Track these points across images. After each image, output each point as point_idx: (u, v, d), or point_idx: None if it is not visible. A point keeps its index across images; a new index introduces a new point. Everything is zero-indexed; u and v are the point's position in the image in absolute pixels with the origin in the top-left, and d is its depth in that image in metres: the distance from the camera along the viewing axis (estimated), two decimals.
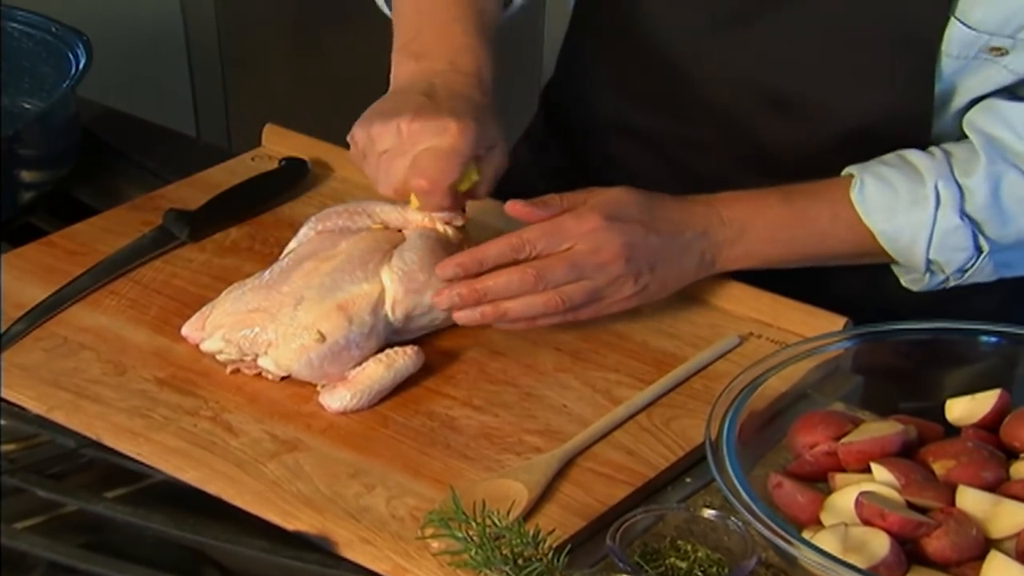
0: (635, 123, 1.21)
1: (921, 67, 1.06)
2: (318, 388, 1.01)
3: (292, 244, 1.09)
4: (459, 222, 1.08)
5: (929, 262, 1.07)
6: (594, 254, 1.01)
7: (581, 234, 1.01)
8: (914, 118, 1.09)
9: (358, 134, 1.05)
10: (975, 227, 1.05)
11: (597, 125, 1.25)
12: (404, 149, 1.02)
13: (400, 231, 1.07)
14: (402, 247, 1.05)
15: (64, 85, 1.27)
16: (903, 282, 1.11)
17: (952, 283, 1.09)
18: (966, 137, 1.08)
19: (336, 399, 0.99)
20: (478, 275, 1.01)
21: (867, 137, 1.09)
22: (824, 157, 1.10)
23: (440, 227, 1.07)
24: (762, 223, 1.07)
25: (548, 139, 1.33)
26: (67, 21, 1.34)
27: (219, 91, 2.52)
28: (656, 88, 1.19)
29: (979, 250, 1.06)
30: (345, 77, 2.57)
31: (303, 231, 1.09)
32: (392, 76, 1.10)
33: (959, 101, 1.09)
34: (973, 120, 1.08)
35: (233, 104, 2.54)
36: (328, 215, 1.09)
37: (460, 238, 1.08)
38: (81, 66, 1.28)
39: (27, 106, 1.35)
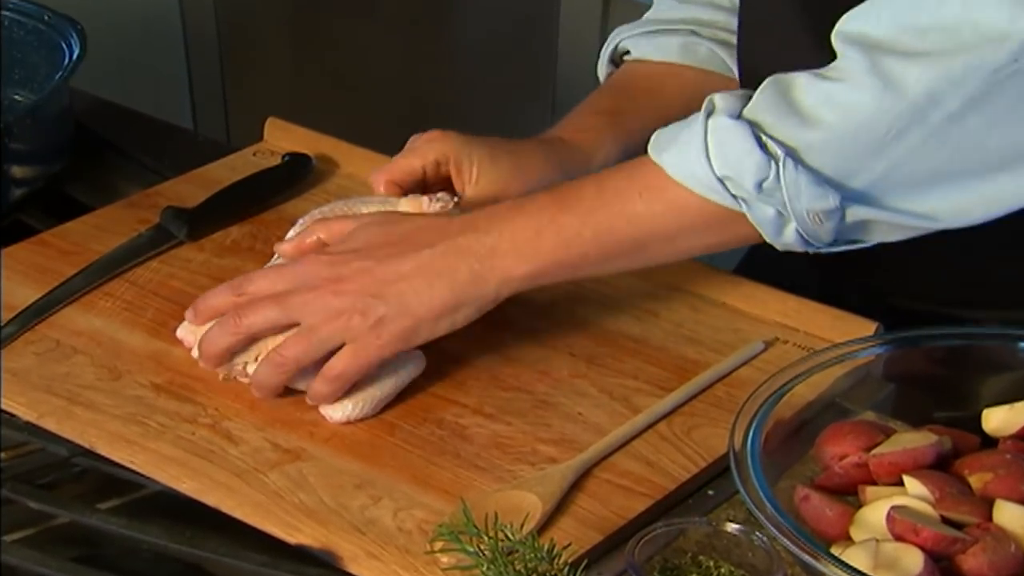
0: None
1: None
2: None
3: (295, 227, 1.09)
4: (455, 213, 1.07)
5: (721, 180, 0.94)
6: (306, 291, 0.98)
7: (290, 275, 0.99)
8: None
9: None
10: (755, 129, 0.93)
11: None
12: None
13: None
14: None
15: (57, 76, 1.27)
16: (769, 241, 0.98)
17: (797, 224, 0.94)
18: None
19: (338, 409, 0.99)
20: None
21: None
22: None
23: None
24: (523, 219, 0.99)
25: None
26: (60, 9, 1.34)
27: (217, 83, 2.53)
28: None
29: (771, 156, 0.93)
30: (350, 68, 2.58)
31: (294, 233, 1.09)
32: None
33: None
34: None
35: (232, 96, 2.55)
36: (318, 216, 1.09)
37: None
38: (75, 56, 1.28)
39: (18, 98, 1.35)
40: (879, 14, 0.93)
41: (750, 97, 0.96)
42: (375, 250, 0.99)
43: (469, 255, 0.98)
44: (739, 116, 0.94)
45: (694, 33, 1.23)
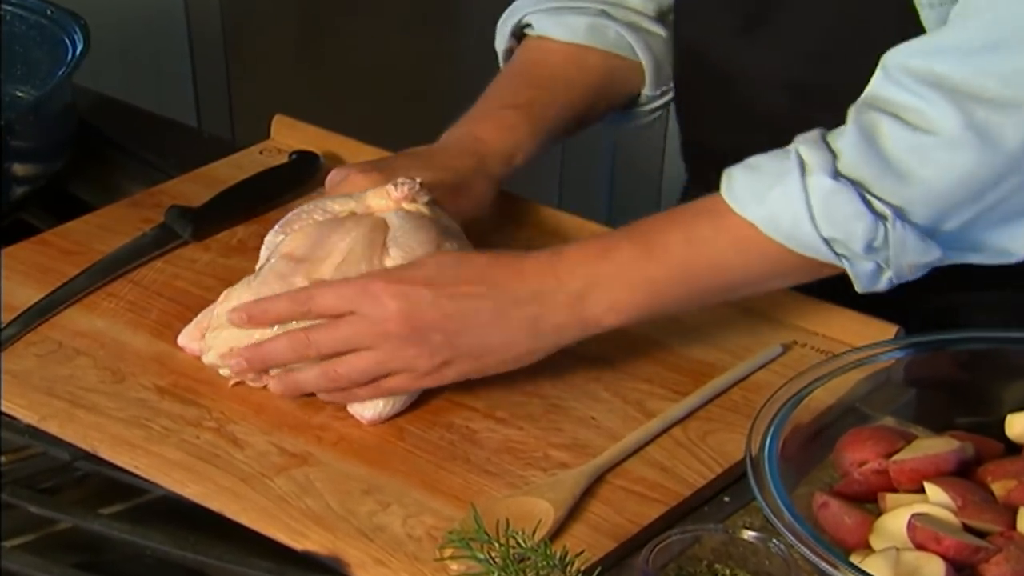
0: (700, 141, 1.23)
1: (904, 27, 1.04)
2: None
3: (264, 253, 1.08)
4: (424, 197, 1.06)
5: (827, 242, 0.97)
6: (370, 323, 0.98)
7: (361, 300, 0.98)
8: None
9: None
10: (859, 189, 0.97)
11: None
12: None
13: (375, 216, 1.06)
14: (392, 235, 1.03)
15: (60, 72, 1.28)
16: (858, 289, 1.01)
17: (892, 273, 0.98)
18: None
19: (368, 407, 0.99)
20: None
21: None
22: None
23: (408, 207, 1.06)
24: (612, 269, 0.99)
25: None
26: (63, 4, 1.34)
27: (222, 79, 2.53)
28: (702, 100, 1.21)
29: (879, 216, 0.95)
30: (356, 64, 2.58)
31: (270, 239, 1.08)
32: None
33: None
34: None
35: (237, 93, 2.55)
36: (288, 221, 1.08)
37: (437, 215, 1.07)
38: (78, 52, 1.28)
39: (20, 94, 1.36)
40: (945, 51, 0.95)
41: (828, 145, 0.97)
42: (449, 286, 0.98)
43: (553, 305, 0.99)
44: (837, 175, 0.96)
45: (604, 14, 1.22)
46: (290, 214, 1.08)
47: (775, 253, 0.98)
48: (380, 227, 1.04)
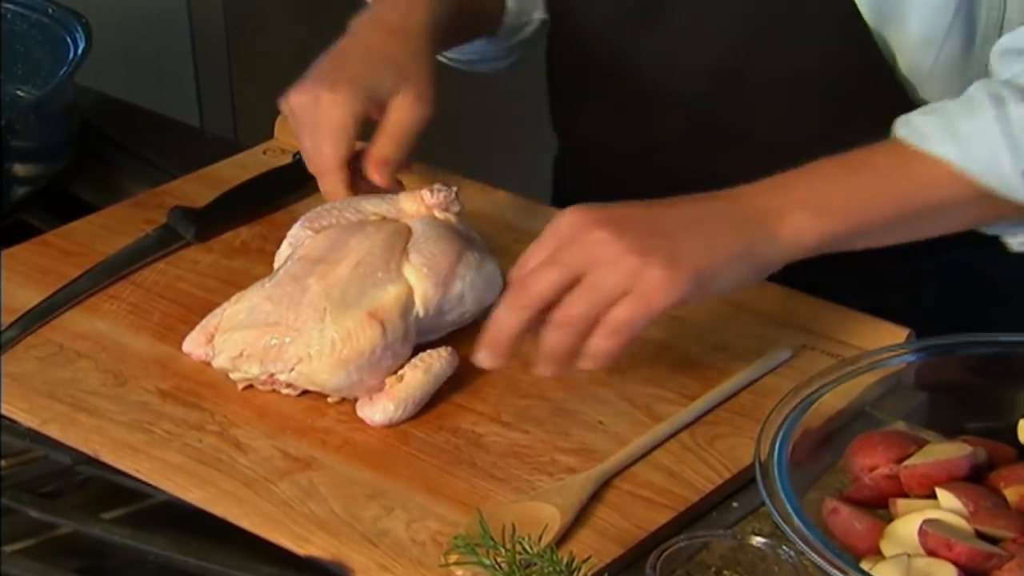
0: (608, 138, 1.23)
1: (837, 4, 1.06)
2: (329, 400, 1.01)
3: (284, 249, 1.09)
4: (456, 208, 1.09)
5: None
6: (575, 240, 0.94)
7: (558, 228, 0.95)
8: (863, 62, 1.09)
9: (287, 108, 1.13)
10: None
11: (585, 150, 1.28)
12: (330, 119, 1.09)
13: (399, 222, 1.07)
14: (415, 240, 1.05)
15: (61, 71, 1.28)
16: (1013, 247, 1.03)
17: None
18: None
19: (379, 411, 0.99)
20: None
21: (818, 95, 1.08)
22: (798, 125, 1.11)
23: (439, 215, 1.07)
24: (808, 180, 0.98)
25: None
26: (65, 2, 1.34)
27: (225, 79, 2.53)
28: (607, 95, 1.22)
29: None
30: None
31: (294, 232, 1.09)
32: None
33: (909, 35, 1.08)
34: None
35: (240, 93, 2.55)
36: (318, 215, 1.09)
37: (464, 226, 1.09)
38: (79, 51, 1.28)
39: (21, 94, 1.36)
40: None
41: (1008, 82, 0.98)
42: (643, 208, 0.96)
43: (754, 214, 0.96)
44: None
45: None
46: (320, 208, 1.09)
47: (967, 192, 0.98)
48: (402, 233, 1.05)
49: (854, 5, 1.07)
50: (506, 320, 0.95)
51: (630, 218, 0.95)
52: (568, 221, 0.95)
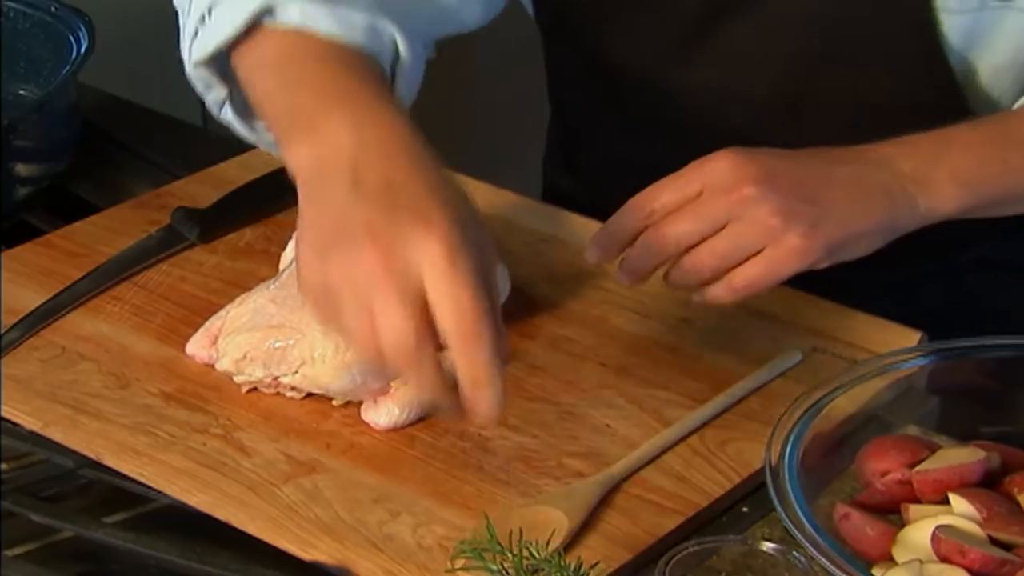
0: (643, 160, 1.21)
1: (919, 34, 1.05)
2: (333, 403, 1.01)
3: (289, 250, 1.09)
4: None
5: None
6: (723, 192, 0.94)
7: (707, 174, 0.95)
8: (937, 92, 1.08)
9: (315, 292, 0.86)
10: None
11: (608, 170, 1.25)
12: (391, 287, 0.82)
13: None
14: None
15: (64, 71, 1.28)
16: None
17: None
18: None
19: (383, 414, 0.99)
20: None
21: (882, 124, 1.07)
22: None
23: None
24: (957, 147, 0.97)
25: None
26: (68, 1, 1.34)
27: None
28: (648, 122, 1.19)
29: None
30: None
31: (292, 245, 1.09)
32: (293, 176, 0.90)
33: (992, 61, 1.07)
34: None
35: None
36: None
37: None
38: (82, 50, 1.28)
39: (23, 93, 1.36)
40: None
41: None
42: (797, 153, 0.96)
43: (899, 181, 0.96)
44: None
45: (381, 12, 0.98)
46: None
47: None
48: None
49: (936, 36, 1.04)
50: (644, 260, 0.96)
51: (781, 174, 0.94)
52: (721, 168, 0.95)
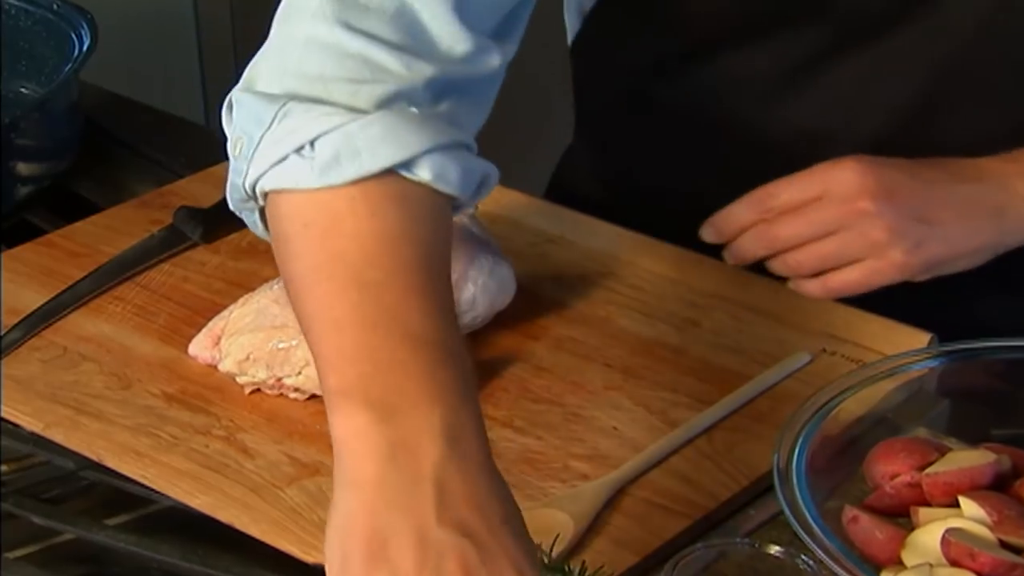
0: (720, 197, 1.19)
1: None
2: None
3: None
4: (470, 209, 1.08)
5: None
6: (841, 202, 0.99)
7: (830, 180, 0.99)
8: None
9: None
10: None
11: (673, 202, 1.21)
12: None
13: None
14: None
15: (66, 69, 1.28)
16: None
17: None
18: None
19: None
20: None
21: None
22: None
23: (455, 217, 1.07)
24: None
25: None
26: None
27: (231, 76, 2.53)
28: (736, 164, 1.16)
29: None
30: None
31: None
32: (335, 439, 0.77)
33: None
34: None
35: None
36: None
37: (478, 227, 1.09)
38: (84, 48, 1.28)
39: (24, 91, 1.36)
40: None
41: None
42: (919, 168, 0.99)
43: (1016, 197, 0.99)
44: None
45: (467, 148, 0.88)
46: None
47: None
48: None
49: None
50: (750, 249, 1.04)
51: (900, 189, 0.99)
52: (844, 177, 0.99)
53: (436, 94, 0.87)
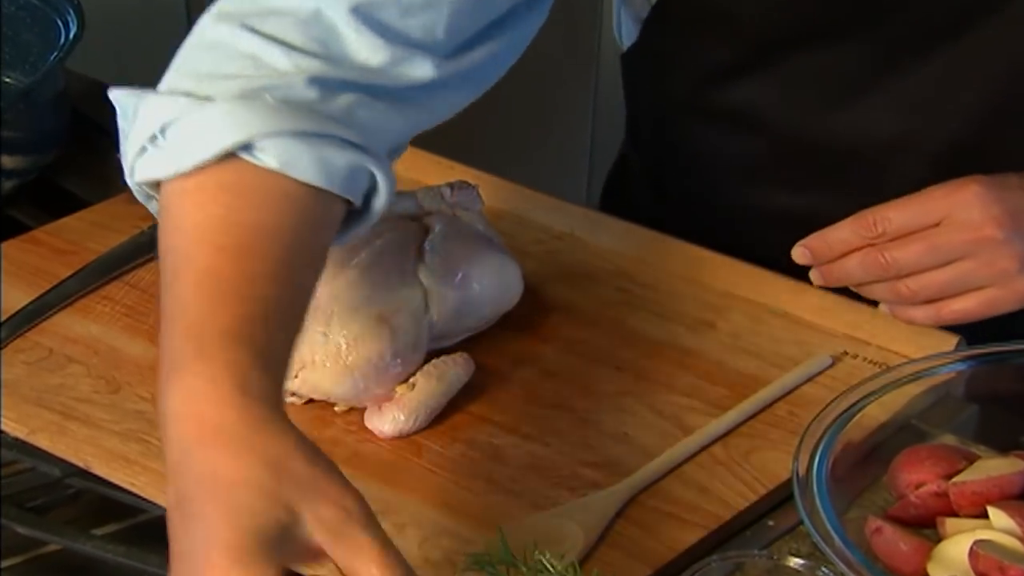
0: (779, 206, 1.20)
1: None
2: (336, 409, 1.01)
3: None
4: (477, 206, 1.10)
5: None
6: (965, 229, 0.99)
7: (952, 205, 0.99)
8: None
9: None
10: None
11: (728, 212, 1.24)
12: None
13: (415, 220, 1.08)
14: (431, 240, 1.05)
15: (51, 57, 1.28)
16: None
17: None
18: None
19: (388, 421, 0.99)
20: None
21: None
22: None
23: (459, 213, 1.08)
24: None
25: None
26: None
27: None
28: (797, 168, 1.18)
29: None
30: None
31: None
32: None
33: None
34: None
35: None
36: None
37: (484, 225, 1.09)
38: (71, 35, 1.29)
39: (8, 81, 1.36)
40: None
41: None
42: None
43: None
44: None
45: (361, 149, 0.89)
46: None
47: None
48: (418, 232, 1.05)
49: None
50: (858, 274, 1.03)
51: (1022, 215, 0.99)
52: (967, 202, 0.99)
53: (327, 91, 0.88)
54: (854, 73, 1.12)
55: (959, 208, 1.00)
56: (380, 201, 0.91)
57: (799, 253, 1.06)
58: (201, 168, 0.86)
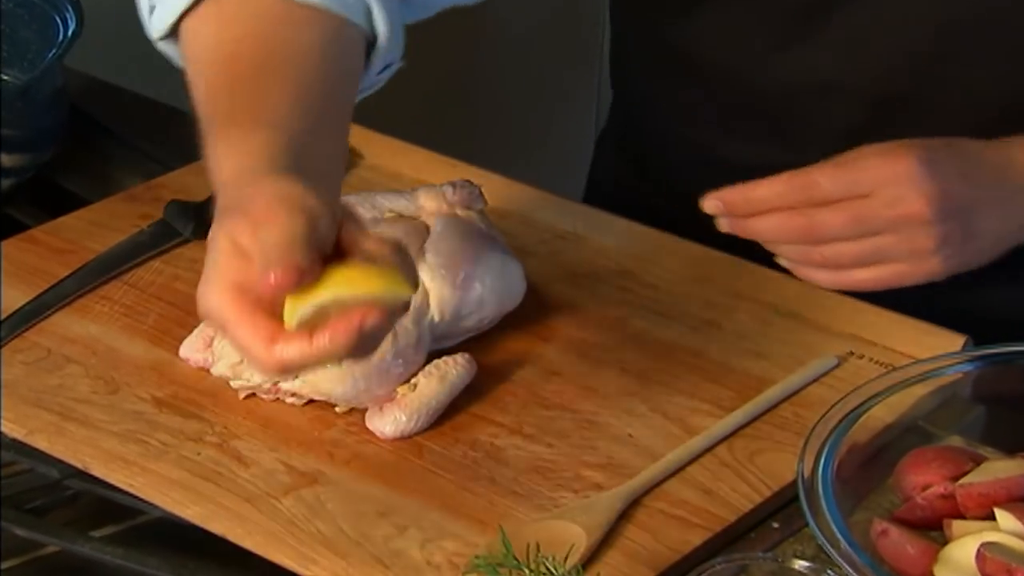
0: (727, 155, 1.20)
1: None
2: (337, 410, 1.01)
3: None
4: (479, 205, 1.10)
5: None
6: (893, 205, 0.98)
7: (885, 178, 0.98)
8: None
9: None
10: None
11: (680, 160, 1.25)
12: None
13: (417, 219, 1.08)
14: (432, 239, 1.05)
15: (50, 54, 1.28)
16: None
17: None
18: None
19: (389, 422, 0.99)
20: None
21: (998, 129, 1.07)
22: None
23: (460, 212, 1.08)
24: None
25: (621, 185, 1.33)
26: None
27: None
28: (741, 115, 1.19)
29: None
30: None
31: None
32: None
33: None
34: None
35: None
36: None
37: (486, 224, 1.09)
38: (70, 32, 1.29)
39: (6, 78, 1.36)
40: None
41: None
42: (972, 168, 1.00)
43: None
44: None
45: None
46: None
47: None
48: (419, 231, 1.05)
49: None
50: (780, 233, 0.99)
51: (956, 196, 0.98)
52: (900, 177, 0.97)
53: None
54: (787, 17, 1.12)
55: (891, 183, 0.98)
56: (380, 27, 0.97)
57: (711, 205, 1.00)
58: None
